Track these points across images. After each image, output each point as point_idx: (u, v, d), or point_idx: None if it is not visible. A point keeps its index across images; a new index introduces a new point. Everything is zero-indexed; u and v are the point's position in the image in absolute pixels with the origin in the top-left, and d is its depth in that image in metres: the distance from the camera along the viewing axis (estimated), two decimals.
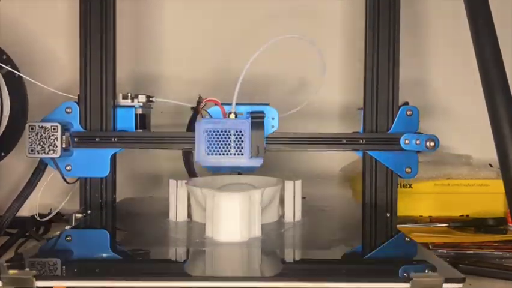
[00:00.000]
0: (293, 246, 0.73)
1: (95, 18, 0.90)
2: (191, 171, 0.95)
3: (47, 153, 0.85)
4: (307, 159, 1.13)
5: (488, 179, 1.07)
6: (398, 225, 0.84)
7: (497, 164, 0.68)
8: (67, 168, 0.88)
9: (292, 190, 0.81)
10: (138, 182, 1.18)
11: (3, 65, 0.95)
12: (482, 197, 1.06)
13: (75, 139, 0.88)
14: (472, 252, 0.85)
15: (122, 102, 0.91)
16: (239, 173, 0.91)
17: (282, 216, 0.81)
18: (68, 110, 0.89)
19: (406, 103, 0.90)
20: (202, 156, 0.80)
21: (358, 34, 0.93)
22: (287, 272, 0.61)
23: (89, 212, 0.88)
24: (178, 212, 0.81)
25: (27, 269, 0.54)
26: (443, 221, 1.01)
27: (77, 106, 0.90)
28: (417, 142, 0.86)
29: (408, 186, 1.06)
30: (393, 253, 0.72)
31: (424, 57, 1.20)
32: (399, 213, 0.90)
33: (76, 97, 0.90)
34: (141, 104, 0.91)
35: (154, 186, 1.17)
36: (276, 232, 0.75)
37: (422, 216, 1.06)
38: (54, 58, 1.16)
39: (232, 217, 0.68)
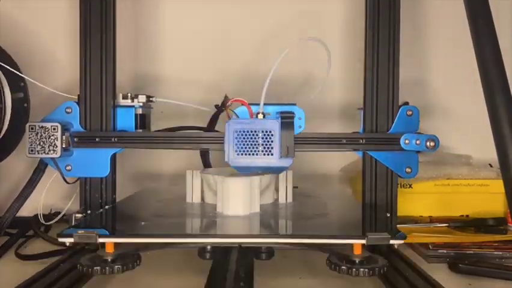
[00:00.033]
0: (285, 218, 0.86)
1: (95, 18, 0.90)
2: (206, 163, 1.02)
3: (47, 153, 0.85)
4: (307, 159, 1.13)
5: (488, 179, 1.07)
6: (398, 225, 0.84)
7: (497, 164, 0.68)
8: (67, 168, 0.88)
9: (285, 178, 0.92)
10: (138, 181, 1.18)
11: (3, 65, 0.95)
12: (482, 197, 1.06)
13: (75, 139, 0.88)
14: (472, 252, 0.86)
15: (122, 102, 0.91)
16: None
17: (277, 200, 0.93)
18: (68, 110, 0.89)
19: (406, 103, 0.90)
20: (232, 156, 0.83)
21: (358, 34, 0.93)
22: (277, 233, 0.80)
23: (89, 212, 0.88)
24: (194, 195, 0.92)
25: (90, 230, 0.69)
26: (443, 221, 1.01)
27: (77, 106, 0.89)
28: (417, 142, 0.86)
29: (408, 186, 1.06)
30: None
31: (424, 57, 1.20)
32: (399, 213, 0.90)
33: (76, 97, 0.90)
34: (141, 104, 0.91)
35: (158, 183, 1.17)
36: (272, 209, 0.88)
37: (422, 216, 1.06)
38: (54, 58, 1.16)
39: (237, 196, 0.83)
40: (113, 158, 0.90)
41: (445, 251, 0.86)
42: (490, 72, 0.69)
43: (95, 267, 0.66)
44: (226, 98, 0.89)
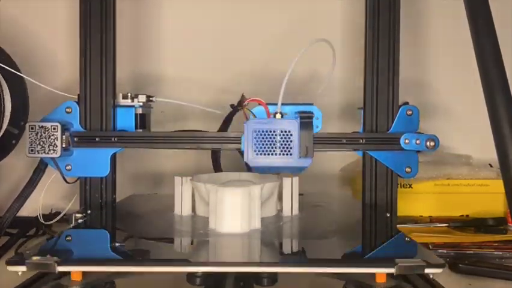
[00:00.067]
0: (290, 237, 0.77)
1: (95, 18, 0.90)
2: (217, 167, 0.99)
3: (47, 153, 0.85)
4: None
5: (488, 179, 1.07)
6: (398, 225, 0.84)
7: (497, 164, 0.68)
8: (67, 168, 0.88)
9: (290, 186, 0.85)
10: (138, 181, 1.18)
11: (3, 65, 0.95)
12: (482, 197, 1.06)
13: (75, 139, 0.88)
14: (472, 252, 0.86)
15: (122, 102, 0.91)
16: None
17: (280, 210, 0.85)
18: (68, 110, 0.89)
19: (406, 103, 0.90)
20: (251, 156, 0.81)
21: (358, 34, 0.93)
22: (283, 259, 0.67)
23: (89, 212, 0.88)
24: (183, 207, 0.84)
25: (48, 256, 0.58)
26: (443, 221, 1.01)
27: (77, 106, 0.89)
28: (417, 142, 0.86)
29: (408, 186, 1.06)
30: (392, 252, 0.72)
31: (424, 57, 1.20)
32: (399, 213, 0.90)
33: (76, 97, 0.90)
34: (141, 103, 0.91)
35: (155, 185, 1.17)
36: (275, 225, 0.79)
37: (422, 216, 1.06)
38: (54, 58, 1.16)
39: (234, 210, 0.73)
40: (113, 158, 0.90)
41: (445, 251, 0.85)
42: (490, 72, 0.69)
43: None
44: (243, 98, 0.87)
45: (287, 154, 0.81)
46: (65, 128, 0.86)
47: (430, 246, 0.87)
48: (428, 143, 0.84)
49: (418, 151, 0.87)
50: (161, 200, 0.94)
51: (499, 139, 0.67)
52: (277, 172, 0.85)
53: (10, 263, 0.59)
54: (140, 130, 0.91)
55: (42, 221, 0.93)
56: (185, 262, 0.61)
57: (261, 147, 0.81)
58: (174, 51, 1.18)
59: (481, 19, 0.71)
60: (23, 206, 0.91)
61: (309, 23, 1.18)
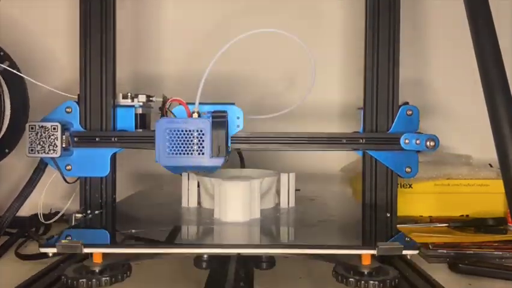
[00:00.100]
0: (287, 225, 0.83)
1: (95, 18, 0.90)
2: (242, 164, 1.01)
3: (47, 153, 0.85)
4: (307, 159, 1.13)
5: (488, 179, 1.07)
6: (398, 225, 0.84)
7: (497, 164, 0.68)
8: (67, 167, 0.88)
9: (287, 181, 0.88)
10: (138, 181, 1.18)
11: (3, 65, 0.95)
12: (482, 197, 1.06)
13: (75, 139, 0.88)
14: (472, 252, 0.86)
15: (122, 102, 0.90)
16: (242, 166, 0.98)
17: (278, 204, 0.89)
18: (68, 110, 0.89)
19: (406, 103, 0.90)
20: (163, 156, 0.80)
21: (358, 34, 0.93)
22: (279, 242, 0.75)
23: (89, 212, 0.88)
24: (189, 199, 0.88)
25: (75, 239, 0.65)
26: (443, 221, 1.01)
27: (77, 106, 0.89)
28: (417, 142, 0.86)
29: (408, 186, 1.06)
30: None
31: (424, 57, 1.20)
32: (399, 213, 0.90)
33: (76, 97, 0.90)
34: (141, 103, 0.91)
35: (155, 185, 1.17)
36: (273, 215, 0.84)
37: (422, 216, 1.06)
38: (54, 58, 1.16)
39: (236, 201, 0.79)
40: (113, 158, 0.90)
41: (445, 251, 0.85)
42: (490, 72, 0.69)
43: (80, 280, 0.61)
44: (164, 98, 0.87)
45: (199, 154, 0.80)
46: (65, 128, 0.86)
47: (430, 246, 0.87)
48: (428, 143, 0.84)
49: (418, 151, 0.87)
50: (169, 194, 0.99)
51: (499, 139, 0.67)
52: (192, 172, 0.85)
53: (42, 245, 0.64)
54: (140, 130, 0.91)
55: (43, 221, 0.93)
56: (193, 245, 0.71)
57: (173, 147, 0.80)
58: (174, 51, 1.18)
59: (481, 19, 0.71)
60: (22, 206, 0.91)
61: (309, 22, 1.18)
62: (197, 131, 0.80)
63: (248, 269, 0.69)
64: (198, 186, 0.88)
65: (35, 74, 0.98)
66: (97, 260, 0.64)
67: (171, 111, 0.84)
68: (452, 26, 1.12)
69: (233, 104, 0.85)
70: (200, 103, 0.82)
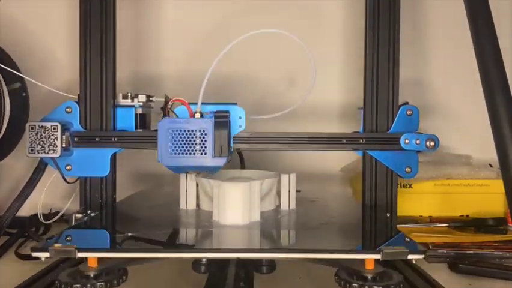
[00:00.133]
0: (288, 228, 0.81)
1: (95, 18, 0.90)
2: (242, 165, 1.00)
3: (47, 153, 0.85)
4: (307, 159, 1.13)
5: (488, 179, 1.07)
6: (398, 225, 0.84)
7: (497, 164, 0.68)
8: (67, 167, 0.88)
9: (288, 182, 0.87)
10: (138, 181, 1.18)
11: (3, 66, 0.95)
12: (482, 197, 1.06)
13: (75, 139, 0.88)
14: (472, 252, 0.86)
15: (122, 102, 0.90)
16: (242, 167, 0.98)
17: (279, 206, 0.88)
18: (68, 110, 0.89)
19: (406, 103, 0.90)
20: (166, 156, 0.79)
21: (358, 34, 0.93)
22: (280, 246, 0.73)
23: (89, 212, 0.88)
24: (188, 201, 0.87)
25: (69, 243, 0.64)
26: (443, 221, 1.01)
27: (77, 106, 0.89)
28: (417, 142, 0.86)
29: (408, 186, 1.06)
30: None
31: (424, 57, 1.20)
32: (399, 213, 0.90)
33: (76, 97, 0.90)
34: (141, 103, 0.91)
35: (155, 185, 1.17)
36: (273, 217, 0.83)
37: (422, 216, 1.06)
38: (54, 58, 1.16)
39: (235, 203, 0.78)
40: (113, 158, 0.90)
41: (445, 251, 0.85)
42: (490, 72, 0.69)
43: (74, 285, 0.60)
44: (167, 98, 0.87)
45: (202, 154, 0.79)
46: (65, 128, 0.86)
47: (430, 246, 0.87)
48: (428, 143, 0.84)
49: (418, 151, 0.87)
50: (168, 195, 0.99)
51: (499, 139, 0.67)
52: (194, 172, 0.85)
53: (35, 249, 0.62)
54: (140, 130, 0.91)
55: (43, 221, 0.93)
56: (192, 249, 0.69)
57: (175, 147, 0.79)
58: (174, 51, 1.18)
59: (481, 19, 0.71)
60: (22, 206, 0.91)
61: (309, 22, 1.18)
62: (199, 131, 0.79)
63: (248, 273, 0.68)
64: (197, 187, 0.87)
65: (35, 74, 0.98)
66: (92, 264, 0.63)
67: (173, 111, 0.84)
68: (452, 26, 1.12)
69: (235, 104, 0.85)
70: (202, 103, 0.82)
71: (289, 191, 0.87)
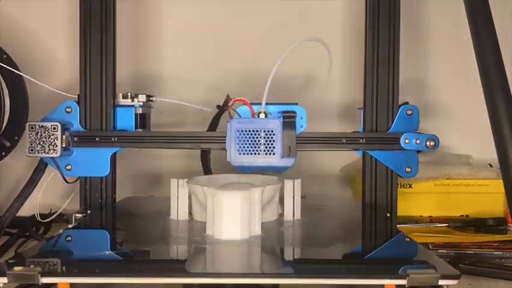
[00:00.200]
0: (292, 245, 0.74)
1: (95, 18, 0.90)
2: (207, 169, 0.97)
3: (47, 153, 0.85)
4: (307, 159, 1.13)
5: (488, 179, 1.06)
6: (398, 225, 0.84)
7: (497, 164, 0.68)
8: (67, 167, 0.88)
9: (292, 189, 0.82)
10: (138, 181, 1.18)
11: (3, 65, 0.95)
12: (482, 197, 1.06)
13: (75, 138, 0.88)
14: (472, 252, 0.85)
15: (122, 101, 0.91)
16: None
17: (282, 214, 0.82)
18: (68, 110, 0.89)
19: (406, 103, 0.90)
20: (234, 156, 0.81)
21: (358, 34, 0.93)
22: (286, 269, 0.63)
23: (89, 212, 0.88)
24: (179, 211, 0.81)
25: (31, 266, 0.55)
26: (443, 221, 1.01)
27: (77, 105, 0.90)
28: (418, 141, 0.86)
29: (408, 186, 1.06)
30: (393, 253, 0.72)
31: (424, 57, 1.20)
32: (399, 213, 0.90)
33: (76, 96, 0.90)
34: (141, 103, 0.91)
35: (155, 185, 1.17)
36: (276, 230, 0.76)
37: (422, 216, 1.06)
38: (54, 58, 1.16)
39: (232, 215, 0.69)
40: (113, 158, 0.90)
41: (445, 251, 0.85)
42: (490, 72, 0.69)
43: None
44: (228, 98, 0.88)
45: (270, 154, 0.80)
46: (65, 128, 0.86)
47: (430, 246, 0.87)
48: (428, 143, 0.84)
49: (418, 151, 0.87)
50: (158, 203, 0.91)
51: (499, 139, 0.67)
52: (261, 172, 0.85)
53: None
54: (140, 130, 0.91)
55: (40, 220, 0.93)
56: (181, 273, 0.58)
57: (244, 147, 0.81)
58: (174, 51, 1.18)
59: (481, 19, 0.71)
60: (22, 206, 0.91)
61: (309, 22, 1.18)
62: (268, 131, 0.80)
63: None
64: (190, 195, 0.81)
65: (35, 74, 0.98)
66: None
67: (235, 111, 0.85)
68: (452, 26, 1.12)
69: (296, 104, 0.85)
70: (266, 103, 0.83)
71: (293, 199, 0.81)
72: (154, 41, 1.19)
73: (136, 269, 0.60)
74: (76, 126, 0.89)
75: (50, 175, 0.91)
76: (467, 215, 1.06)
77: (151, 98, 0.93)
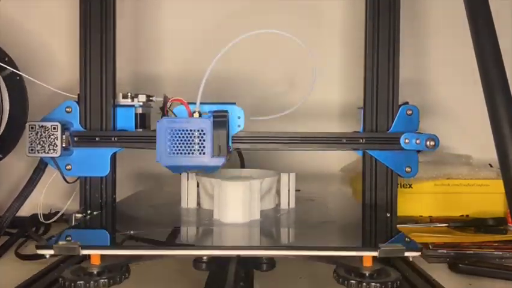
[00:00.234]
0: (287, 226, 0.82)
1: (95, 18, 0.90)
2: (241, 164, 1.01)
3: (47, 153, 0.85)
4: (307, 159, 1.13)
5: (488, 179, 1.07)
6: (398, 225, 0.84)
7: (497, 164, 0.68)
8: (67, 167, 0.88)
9: (287, 181, 0.87)
10: (138, 181, 1.18)
11: (5, 66, 0.95)
12: (482, 197, 1.06)
13: (75, 138, 0.88)
14: (472, 252, 0.86)
15: (122, 101, 0.91)
16: (242, 166, 0.99)
17: (278, 204, 0.89)
18: (68, 110, 0.89)
19: (406, 103, 0.90)
20: (164, 156, 0.80)
21: (358, 34, 0.93)
22: (280, 244, 0.74)
23: (89, 212, 0.88)
24: (189, 200, 0.88)
25: (73, 241, 0.65)
26: (443, 221, 1.01)
27: (77, 105, 0.90)
28: (418, 141, 0.86)
29: (408, 186, 1.06)
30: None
31: (424, 57, 1.20)
32: (399, 213, 0.90)
33: (76, 96, 0.90)
34: (141, 103, 0.91)
35: (155, 185, 1.17)
36: (273, 216, 0.84)
37: (422, 216, 1.06)
38: (54, 58, 1.16)
39: (235, 202, 0.79)
40: (113, 158, 0.90)
41: (445, 251, 0.85)
42: (490, 72, 0.69)
43: (78, 282, 0.60)
44: (165, 98, 0.86)
45: (200, 153, 0.80)
46: (65, 128, 0.86)
47: (430, 246, 0.87)
48: (428, 143, 0.84)
49: (418, 151, 0.87)
50: (168, 194, 0.99)
51: (499, 139, 0.67)
52: (192, 171, 0.86)
53: (39, 247, 0.64)
54: (140, 130, 0.91)
55: (43, 220, 0.93)
56: (193, 246, 0.71)
57: (174, 147, 0.80)
58: (174, 51, 1.18)
59: (481, 19, 0.71)
60: (22, 206, 0.91)
61: (309, 22, 1.18)
62: (198, 130, 0.80)
63: (248, 271, 0.68)
64: (198, 186, 0.88)
65: (35, 74, 0.98)
66: (95, 261, 0.63)
67: (172, 111, 0.84)
68: (452, 25, 1.12)
69: (234, 103, 0.85)
70: (201, 103, 0.82)
71: (288, 190, 0.87)
72: (154, 41, 1.19)
73: (156, 244, 0.70)
74: (76, 126, 0.89)
75: (52, 176, 0.91)
76: (467, 215, 1.06)
77: (151, 98, 0.93)
